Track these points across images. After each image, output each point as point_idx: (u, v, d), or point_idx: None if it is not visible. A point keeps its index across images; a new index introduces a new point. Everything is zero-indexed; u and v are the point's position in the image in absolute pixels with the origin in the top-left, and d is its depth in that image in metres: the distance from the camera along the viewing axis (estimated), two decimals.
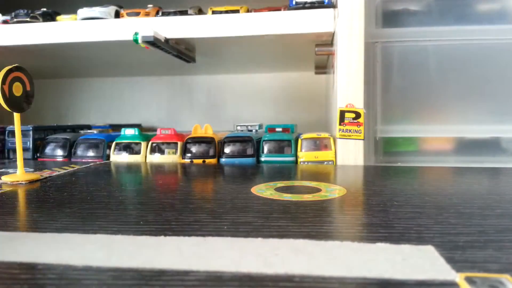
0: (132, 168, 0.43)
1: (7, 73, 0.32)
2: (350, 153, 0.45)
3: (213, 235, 0.18)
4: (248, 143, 0.48)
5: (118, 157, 0.50)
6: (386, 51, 0.48)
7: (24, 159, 0.51)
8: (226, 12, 0.51)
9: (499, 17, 0.46)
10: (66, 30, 0.53)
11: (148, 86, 0.89)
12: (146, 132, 0.58)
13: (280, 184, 0.31)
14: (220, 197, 0.27)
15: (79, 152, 0.52)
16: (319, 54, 0.54)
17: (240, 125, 0.54)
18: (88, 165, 0.45)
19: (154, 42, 0.47)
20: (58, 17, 0.55)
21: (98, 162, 0.49)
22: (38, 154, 0.54)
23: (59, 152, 0.53)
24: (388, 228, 0.19)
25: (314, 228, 0.19)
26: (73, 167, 0.43)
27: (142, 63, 0.72)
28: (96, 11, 0.53)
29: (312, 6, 0.48)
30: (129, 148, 0.51)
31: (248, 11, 0.53)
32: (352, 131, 0.45)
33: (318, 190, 0.29)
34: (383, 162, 0.49)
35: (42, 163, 0.49)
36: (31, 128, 0.54)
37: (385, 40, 0.47)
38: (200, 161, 0.47)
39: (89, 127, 0.70)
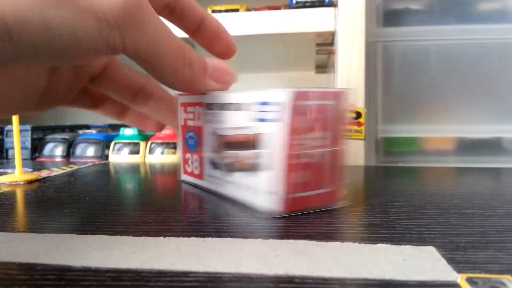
0: (131, 168, 0.43)
1: None
2: (351, 153, 0.45)
3: (212, 236, 0.18)
4: None
5: (117, 157, 0.50)
6: (387, 50, 0.48)
7: (23, 159, 0.51)
8: (226, 11, 0.51)
9: (500, 16, 0.46)
10: None
11: None
12: (145, 132, 0.58)
13: None
14: (220, 197, 0.26)
15: (78, 152, 0.52)
16: (320, 53, 0.54)
17: None
18: (87, 165, 0.45)
19: None
20: None
21: (97, 162, 0.48)
22: (36, 154, 0.54)
23: (58, 152, 0.53)
24: (389, 228, 0.19)
25: (315, 229, 0.19)
26: (72, 167, 0.43)
27: None
28: None
29: (312, 5, 0.48)
30: (128, 148, 0.51)
31: (248, 10, 0.53)
32: (352, 131, 0.45)
33: None
34: (384, 162, 0.49)
35: (41, 163, 0.49)
36: (29, 128, 0.54)
37: (386, 39, 0.47)
38: None
39: (87, 126, 0.70)
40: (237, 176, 0.24)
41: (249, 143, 0.23)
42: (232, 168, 0.25)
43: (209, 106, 0.26)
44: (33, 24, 0.14)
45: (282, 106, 0.21)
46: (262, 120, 0.22)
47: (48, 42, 0.15)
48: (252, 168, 0.23)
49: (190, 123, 0.28)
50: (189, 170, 0.30)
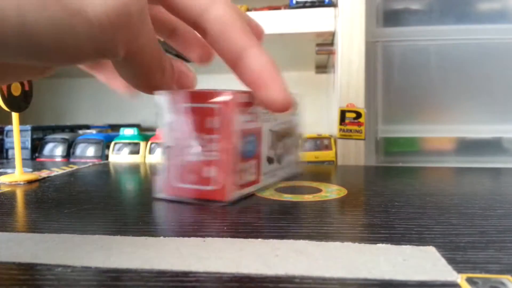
0: (131, 169, 0.43)
1: None
2: (351, 153, 0.45)
3: (213, 236, 0.18)
4: None
5: (117, 157, 0.50)
6: (387, 50, 0.48)
7: (23, 159, 0.51)
8: None
9: (500, 16, 0.46)
10: None
11: None
12: (145, 132, 0.58)
13: (280, 184, 0.31)
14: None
15: (78, 152, 0.52)
16: (320, 53, 0.54)
17: None
18: (87, 165, 0.45)
19: None
20: None
21: (97, 162, 0.48)
22: (36, 154, 0.54)
23: (58, 152, 0.53)
24: (389, 228, 0.19)
25: (315, 229, 0.19)
26: (72, 167, 0.43)
27: None
28: None
29: (312, 5, 0.48)
30: (128, 148, 0.51)
31: (248, 10, 0.53)
32: (352, 131, 0.45)
33: (318, 190, 0.29)
34: (384, 162, 0.49)
35: (41, 163, 0.49)
36: (29, 128, 0.54)
37: (386, 39, 0.47)
38: None
39: (87, 127, 0.70)
40: (285, 160, 0.31)
41: (288, 133, 0.31)
42: (284, 155, 0.31)
43: None
44: (8, 24, 0.13)
45: None
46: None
47: (23, 43, 0.14)
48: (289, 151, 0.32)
49: (250, 125, 0.25)
50: (241, 182, 0.25)
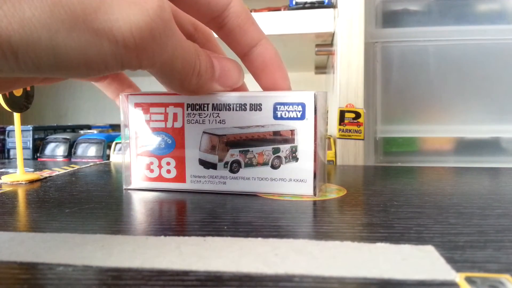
0: None
1: None
2: (350, 153, 0.45)
3: (213, 235, 0.18)
4: None
5: (119, 157, 0.50)
6: (386, 51, 0.48)
7: (24, 159, 0.51)
8: None
9: (499, 17, 0.46)
10: None
11: (148, 86, 0.89)
12: None
13: None
14: (219, 197, 0.27)
15: (79, 152, 0.52)
16: (319, 54, 0.54)
17: None
18: (88, 165, 0.45)
19: None
20: None
21: (98, 162, 0.49)
22: (38, 154, 0.54)
23: (59, 152, 0.53)
24: (388, 228, 0.19)
25: (314, 228, 0.19)
26: (73, 167, 0.43)
27: None
28: None
29: (312, 6, 0.48)
30: None
31: None
32: (352, 131, 0.45)
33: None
34: (383, 162, 0.49)
35: (42, 163, 0.49)
36: (31, 128, 0.54)
37: (385, 40, 0.47)
38: None
39: (89, 127, 0.70)
40: (255, 171, 0.27)
41: (268, 139, 0.26)
42: (249, 165, 0.27)
43: (194, 107, 0.27)
44: (40, 46, 0.14)
45: (307, 106, 0.25)
46: (281, 118, 0.26)
47: (54, 63, 0.15)
48: (268, 162, 0.26)
49: (156, 125, 0.28)
50: (152, 175, 0.29)
